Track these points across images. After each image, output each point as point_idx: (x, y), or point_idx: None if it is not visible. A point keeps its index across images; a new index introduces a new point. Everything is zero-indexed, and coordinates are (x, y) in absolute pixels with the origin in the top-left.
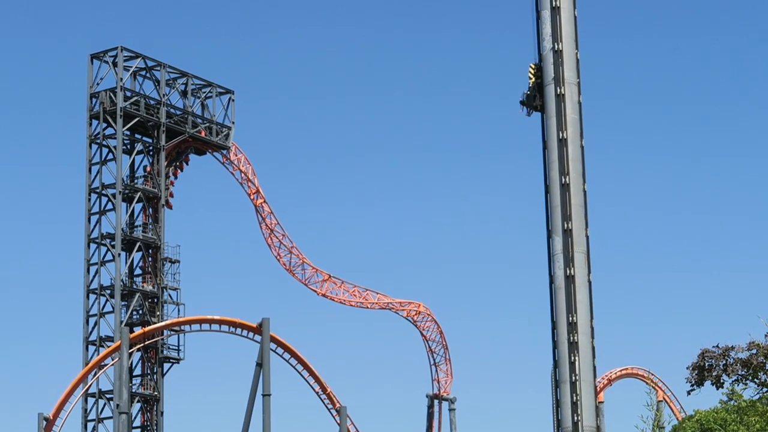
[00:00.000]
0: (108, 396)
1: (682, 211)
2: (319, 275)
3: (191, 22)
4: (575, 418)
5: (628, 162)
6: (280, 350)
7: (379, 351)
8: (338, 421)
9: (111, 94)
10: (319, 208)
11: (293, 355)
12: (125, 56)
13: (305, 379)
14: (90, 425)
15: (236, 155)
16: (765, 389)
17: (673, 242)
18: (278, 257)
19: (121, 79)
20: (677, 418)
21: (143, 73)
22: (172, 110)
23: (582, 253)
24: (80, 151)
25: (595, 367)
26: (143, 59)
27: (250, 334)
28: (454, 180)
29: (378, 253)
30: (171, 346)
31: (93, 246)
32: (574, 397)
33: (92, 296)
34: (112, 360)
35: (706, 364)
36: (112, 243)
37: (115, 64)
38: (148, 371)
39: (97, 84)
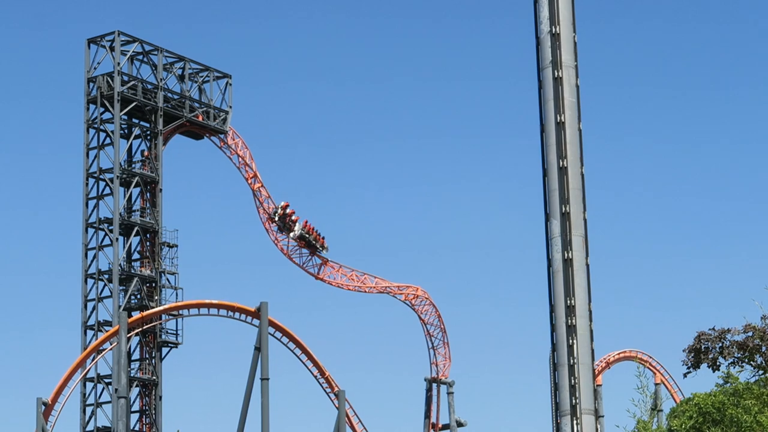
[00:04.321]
0: (106, 380)
1: (679, 194)
2: (316, 259)
3: (188, 6)
4: (573, 401)
5: (625, 145)
6: (278, 334)
7: (377, 335)
8: (337, 405)
9: (108, 79)
10: (316, 192)
11: (291, 339)
12: (122, 41)
13: (303, 363)
14: (89, 410)
15: (234, 139)
16: (761, 372)
17: (670, 226)
18: (276, 241)
19: (118, 63)
20: (675, 401)
21: (140, 57)
22: (169, 94)
23: (580, 236)
24: (78, 135)
25: (593, 350)
26: (140, 43)
27: (249, 319)
28: (451, 163)
29: (375, 237)
30: (169, 331)
31: (91, 231)
32: (573, 380)
33: (90, 281)
34: (111, 344)
35: (703, 346)
36: (110, 227)
37: (112, 49)
38: (147, 356)
39: (94, 68)
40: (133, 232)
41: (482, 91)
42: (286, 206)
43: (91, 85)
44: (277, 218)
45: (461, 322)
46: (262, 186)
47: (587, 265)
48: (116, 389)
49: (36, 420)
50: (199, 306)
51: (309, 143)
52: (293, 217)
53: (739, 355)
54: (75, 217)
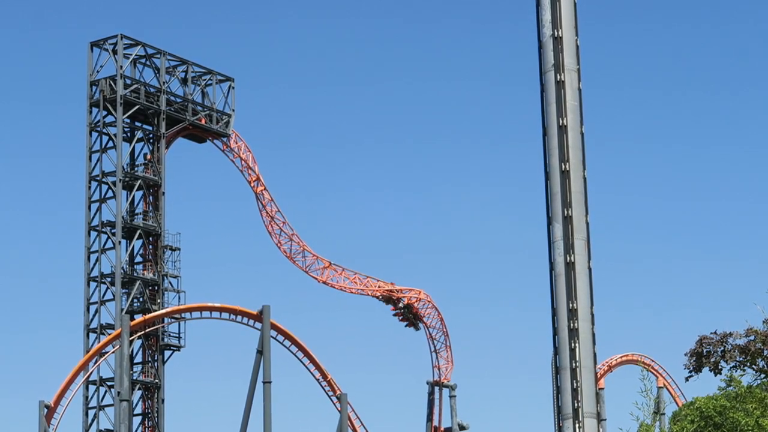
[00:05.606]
0: (109, 383)
1: (681, 198)
2: (319, 262)
3: (191, 9)
4: (576, 404)
5: (628, 148)
6: (280, 337)
7: (379, 338)
8: (339, 408)
9: (111, 82)
10: (319, 195)
11: (294, 342)
12: (125, 44)
13: (306, 367)
14: (91, 413)
15: (236, 143)
16: (763, 375)
17: (672, 229)
18: (279, 245)
19: (121, 66)
20: (677, 404)
21: (143, 60)
22: (172, 98)
23: (582, 239)
24: (80, 139)
25: (595, 354)
26: (143, 47)
27: (251, 322)
28: (454, 167)
29: (378, 240)
30: (171, 334)
31: (93, 234)
32: (575, 384)
33: (93, 284)
34: (113, 347)
35: (705, 350)
36: (113, 231)
37: (115, 52)
38: (149, 359)
39: (97, 72)
40: (136, 235)
41: (484, 95)
42: (414, 306)
43: (94, 88)
44: (403, 311)
45: (463, 326)
46: (264, 189)
47: (589, 269)
48: (118, 392)
49: (38, 423)
50: (201, 309)
51: (311, 146)
52: (419, 312)
53: (741, 358)
54: (77, 220)
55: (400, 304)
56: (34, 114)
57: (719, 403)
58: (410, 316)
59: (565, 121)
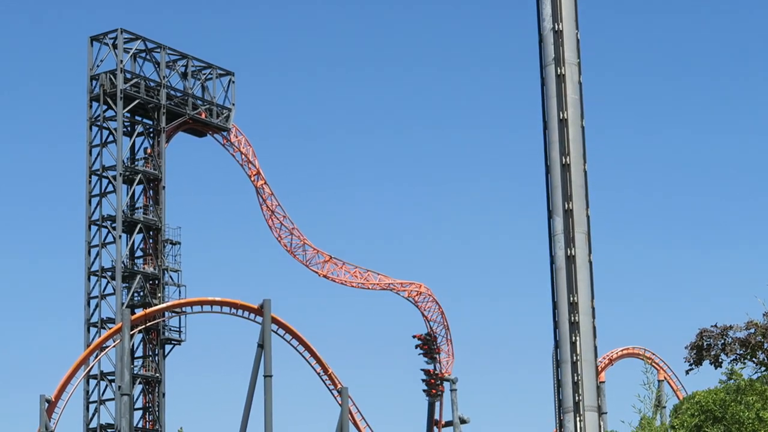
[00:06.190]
0: (110, 378)
1: (682, 191)
2: (320, 256)
3: (191, 3)
4: (576, 397)
5: (628, 142)
6: (281, 331)
7: (380, 331)
8: (340, 402)
9: (111, 76)
10: (319, 189)
11: (294, 336)
12: (125, 38)
13: (307, 360)
14: (92, 407)
15: (236, 137)
16: (763, 368)
17: (673, 223)
18: (279, 239)
19: (121, 61)
20: (678, 398)
21: (143, 55)
22: (172, 92)
23: (583, 233)
24: (81, 133)
25: (596, 347)
26: (143, 41)
27: (252, 316)
28: (454, 161)
29: (379, 234)
30: (172, 328)
31: (94, 228)
32: (575, 377)
33: (93, 278)
34: (114, 342)
35: (705, 343)
36: (113, 225)
37: (115, 46)
38: (150, 353)
39: (97, 66)
40: (136, 230)
41: (485, 88)
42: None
43: (94, 82)
44: (426, 345)
45: (464, 319)
46: (264, 183)
47: (590, 262)
48: (119, 386)
49: (39, 417)
50: (202, 303)
51: (312, 140)
52: (436, 347)
53: (741, 351)
54: (78, 214)
55: (433, 347)
56: (35, 108)
57: (719, 396)
58: (433, 353)
59: (565, 115)
